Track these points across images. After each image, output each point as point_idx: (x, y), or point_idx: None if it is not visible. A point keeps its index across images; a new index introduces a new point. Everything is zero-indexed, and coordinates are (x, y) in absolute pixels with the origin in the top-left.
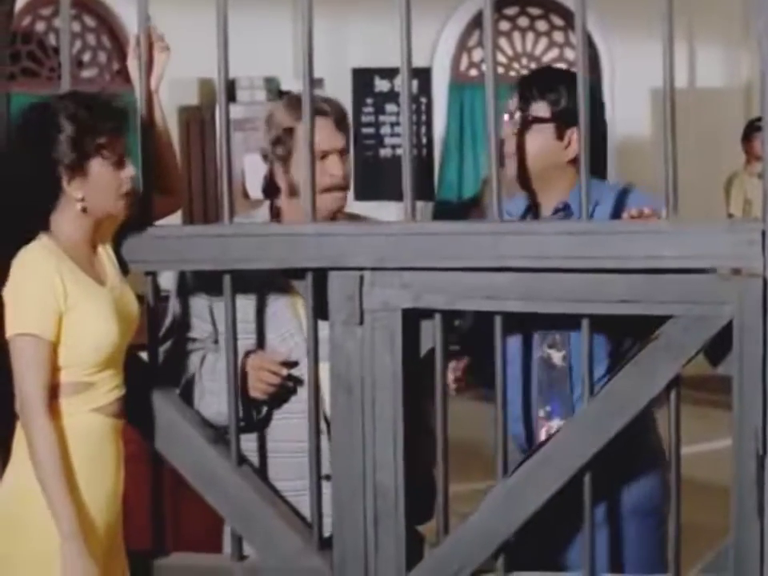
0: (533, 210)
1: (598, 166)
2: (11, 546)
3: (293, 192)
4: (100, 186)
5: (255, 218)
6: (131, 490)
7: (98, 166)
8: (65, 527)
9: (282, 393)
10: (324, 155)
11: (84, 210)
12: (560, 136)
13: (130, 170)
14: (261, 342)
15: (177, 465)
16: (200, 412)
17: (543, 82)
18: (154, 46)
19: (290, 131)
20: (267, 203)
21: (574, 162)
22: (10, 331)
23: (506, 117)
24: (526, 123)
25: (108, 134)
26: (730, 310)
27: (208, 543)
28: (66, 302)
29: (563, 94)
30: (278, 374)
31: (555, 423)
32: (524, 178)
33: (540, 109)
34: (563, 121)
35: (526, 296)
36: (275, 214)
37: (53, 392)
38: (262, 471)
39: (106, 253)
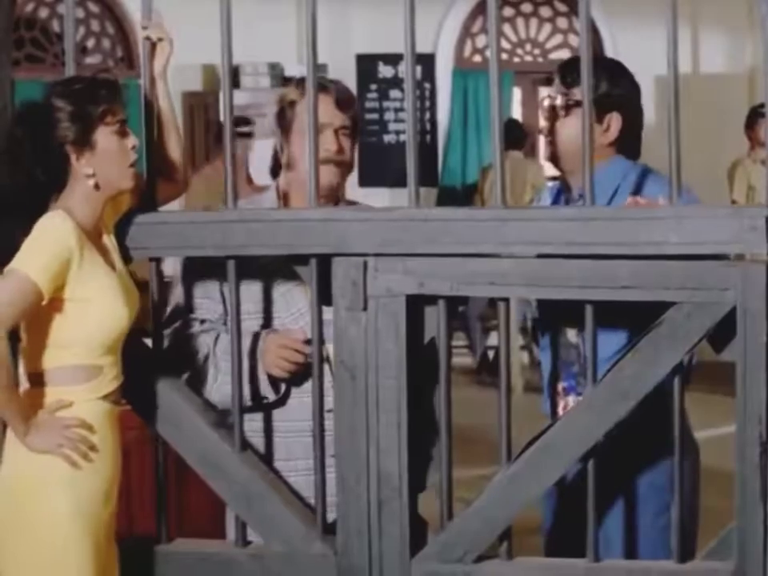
0: (564, 194)
1: (635, 149)
2: (16, 537)
3: (290, 165)
4: (108, 156)
5: (262, 202)
6: (138, 476)
7: (103, 136)
8: (20, 429)
9: (303, 371)
10: (320, 130)
11: (96, 186)
12: (599, 120)
13: (133, 139)
14: (268, 323)
15: (180, 450)
16: (213, 392)
17: None
18: (153, 33)
19: (292, 104)
20: (274, 187)
21: (612, 144)
22: (11, 264)
23: (545, 102)
24: (567, 107)
25: (106, 101)
26: (733, 296)
27: (212, 528)
28: (78, 273)
29: (603, 80)
30: (302, 352)
31: (571, 399)
32: (558, 161)
33: (580, 93)
34: (602, 105)
35: (530, 282)
36: (282, 197)
37: (59, 378)
38: (269, 452)
39: (110, 241)
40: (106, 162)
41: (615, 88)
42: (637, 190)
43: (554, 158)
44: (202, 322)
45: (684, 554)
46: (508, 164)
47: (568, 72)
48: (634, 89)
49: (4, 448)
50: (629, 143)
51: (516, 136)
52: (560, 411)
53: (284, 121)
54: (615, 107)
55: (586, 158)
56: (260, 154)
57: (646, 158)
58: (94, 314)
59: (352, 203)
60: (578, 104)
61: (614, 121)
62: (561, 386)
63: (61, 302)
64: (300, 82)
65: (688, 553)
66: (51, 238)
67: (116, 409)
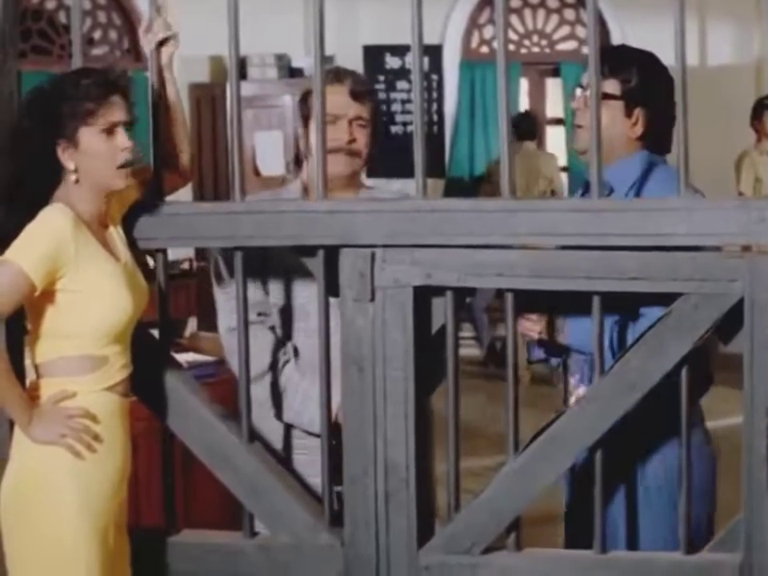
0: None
1: (665, 143)
2: (23, 532)
3: (307, 155)
4: (91, 155)
5: (289, 192)
6: (147, 467)
7: (87, 135)
8: (23, 419)
9: None
10: (334, 120)
11: (77, 181)
12: (628, 114)
13: (124, 141)
14: (287, 302)
15: (188, 442)
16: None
17: (615, 61)
18: (157, 22)
19: (310, 94)
20: (299, 177)
21: (640, 138)
22: (5, 255)
23: (577, 91)
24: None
25: (95, 100)
26: (740, 287)
27: (219, 520)
28: (77, 265)
29: (634, 74)
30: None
31: (582, 391)
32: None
33: (610, 86)
34: (632, 99)
35: (538, 273)
36: (305, 186)
37: (63, 368)
38: (287, 428)
39: (116, 233)
40: (88, 161)
41: (646, 82)
42: (639, 189)
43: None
44: (259, 314)
45: (699, 546)
46: (521, 155)
47: (601, 64)
48: (666, 82)
49: (12, 444)
50: (658, 138)
51: (529, 127)
52: (572, 402)
53: (303, 111)
54: (645, 102)
55: (593, 151)
56: (265, 145)
57: None
58: (95, 305)
59: (370, 189)
60: (608, 96)
61: (643, 115)
62: (574, 378)
63: (61, 293)
64: (327, 71)
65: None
66: (47, 231)
67: (125, 400)
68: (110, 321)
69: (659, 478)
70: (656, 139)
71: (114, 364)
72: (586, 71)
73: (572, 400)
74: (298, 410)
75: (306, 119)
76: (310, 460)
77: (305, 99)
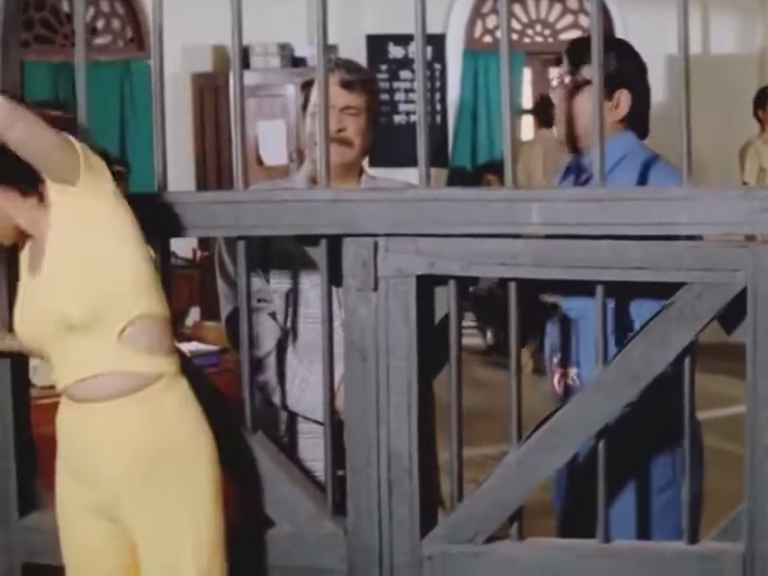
0: (574, 171)
1: (644, 126)
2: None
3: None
4: None
5: (296, 182)
6: None
7: None
8: None
9: None
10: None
11: None
12: (609, 97)
13: None
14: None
15: None
16: (297, 401)
17: (591, 48)
18: None
19: (310, 84)
20: (305, 168)
21: (622, 121)
22: None
23: (553, 82)
24: (577, 86)
25: None
26: (743, 277)
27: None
28: None
29: (612, 58)
30: None
31: (569, 370)
32: (573, 140)
33: (589, 72)
34: (612, 82)
35: (541, 262)
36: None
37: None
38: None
39: (54, 231)
40: None
41: (624, 65)
42: (642, 181)
43: (567, 138)
44: (259, 300)
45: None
46: (539, 142)
47: (576, 52)
48: (640, 67)
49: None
50: (638, 121)
51: (548, 114)
52: (555, 383)
53: (303, 96)
54: (624, 84)
55: (596, 137)
56: (268, 134)
57: (658, 139)
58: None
59: (373, 178)
60: (588, 82)
61: (624, 97)
62: (557, 358)
63: None
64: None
65: (693, 533)
66: None
67: (82, 405)
68: (22, 337)
69: (657, 471)
70: (636, 122)
71: (54, 370)
72: (562, 63)
73: (555, 381)
74: (297, 396)
75: (304, 109)
76: (315, 443)
77: (303, 86)
